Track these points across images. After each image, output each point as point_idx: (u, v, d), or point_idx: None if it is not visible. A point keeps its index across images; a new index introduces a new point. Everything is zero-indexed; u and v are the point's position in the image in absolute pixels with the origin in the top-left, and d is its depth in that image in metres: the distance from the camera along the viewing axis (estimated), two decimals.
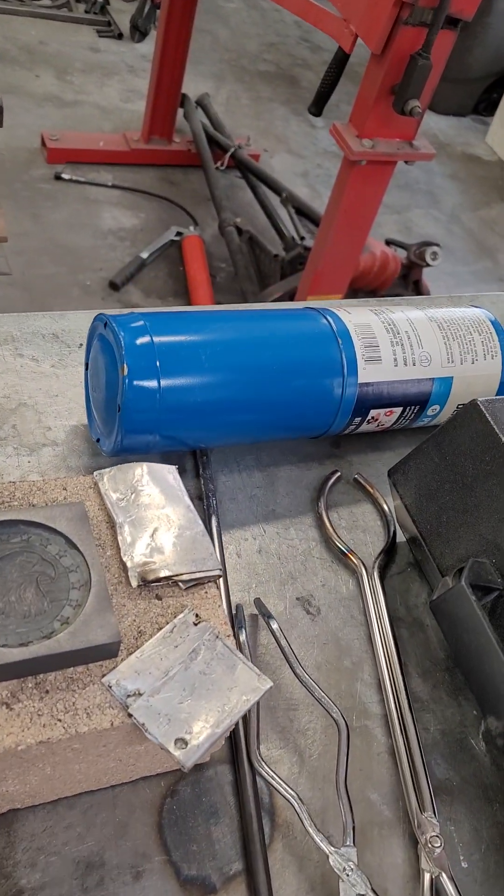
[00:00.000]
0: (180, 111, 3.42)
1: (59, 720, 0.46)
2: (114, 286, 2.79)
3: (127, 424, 0.65)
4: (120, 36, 4.22)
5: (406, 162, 2.03)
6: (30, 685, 0.47)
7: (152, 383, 0.64)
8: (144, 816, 0.55)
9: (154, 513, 0.57)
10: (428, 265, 2.72)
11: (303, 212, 2.95)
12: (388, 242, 2.76)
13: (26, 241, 2.83)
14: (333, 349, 0.73)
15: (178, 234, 3.07)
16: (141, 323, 0.66)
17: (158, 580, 0.53)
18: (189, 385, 0.67)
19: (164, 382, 0.65)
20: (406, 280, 2.77)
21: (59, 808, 0.54)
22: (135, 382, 0.64)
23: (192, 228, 3.13)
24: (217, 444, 0.75)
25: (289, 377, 0.71)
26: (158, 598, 0.54)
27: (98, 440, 0.71)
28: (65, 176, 3.21)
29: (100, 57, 4.04)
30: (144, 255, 2.94)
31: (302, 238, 2.76)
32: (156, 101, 3.28)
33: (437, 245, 2.73)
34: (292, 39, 4.82)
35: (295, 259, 2.65)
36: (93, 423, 0.73)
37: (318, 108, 2.10)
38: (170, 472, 0.60)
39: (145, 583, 0.53)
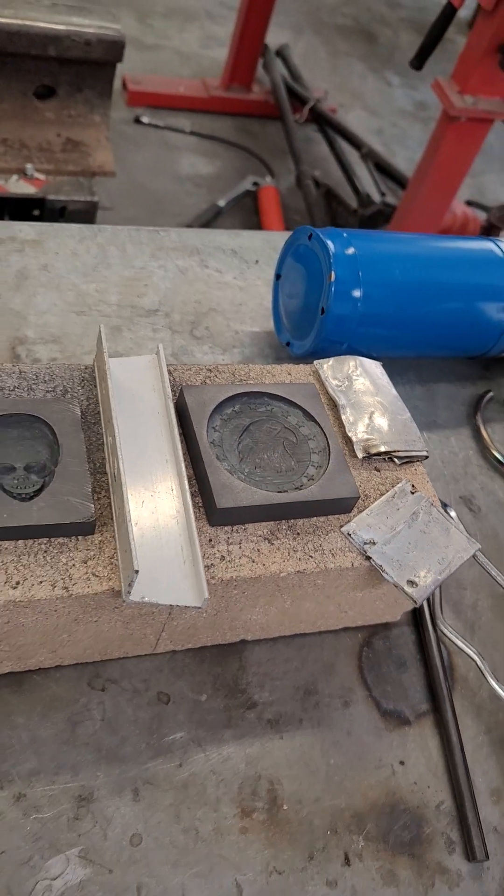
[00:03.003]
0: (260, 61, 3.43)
1: (311, 556, 0.55)
2: None
3: (327, 328, 0.73)
4: None
5: None
6: (284, 527, 0.56)
7: (356, 292, 0.72)
8: (347, 659, 0.63)
9: (369, 399, 0.64)
10: None
11: (383, 168, 2.97)
12: (469, 203, 2.79)
13: (110, 182, 2.89)
14: (502, 276, 0.79)
15: (255, 184, 3.10)
16: (345, 236, 0.73)
17: (379, 454, 0.61)
18: (382, 296, 0.74)
19: (364, 292, 0.72)
20: None
21: (279, 646, 0.62)
22: (340, 289, 0.71)
23: (268, 179, 3.16)
24: (389, 355, 0.82)
25: (466, 296, 0.78)
26: (377, 469, 0.62)
27: (288, 343, 0.79)
28: (144, 119, 3.24)
29: (179, 1, 4.03)
30: (222, 203, 2.98)
31: (383, 194, 2.78)
32: (239, 49, 3.28)
33: None
34: None
35: (375, 215, 2.69)
36: (280, 328, 0.81)
37: (419, 61, 2.12)
38: (377, 367, 0.68)
39: (368, 455, 0.61)
